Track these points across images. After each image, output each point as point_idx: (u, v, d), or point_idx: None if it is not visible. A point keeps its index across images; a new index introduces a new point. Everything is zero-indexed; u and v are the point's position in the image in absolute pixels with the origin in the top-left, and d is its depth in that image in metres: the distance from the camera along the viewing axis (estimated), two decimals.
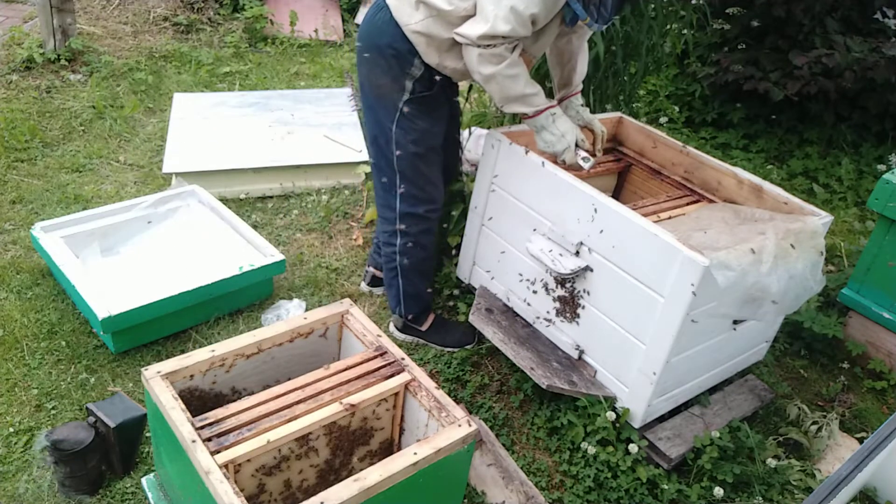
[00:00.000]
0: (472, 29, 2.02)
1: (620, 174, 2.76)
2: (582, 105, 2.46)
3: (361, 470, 1.53)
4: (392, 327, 2.69)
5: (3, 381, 2.34)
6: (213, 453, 1.52)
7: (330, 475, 1.81)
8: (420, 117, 2.24)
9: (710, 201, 2.46)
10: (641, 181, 2.71)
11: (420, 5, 2.09)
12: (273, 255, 2.73)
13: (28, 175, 3.47)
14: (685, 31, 3.65)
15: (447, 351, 2.60)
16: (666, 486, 2.09)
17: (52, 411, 2.25)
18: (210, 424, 1.59)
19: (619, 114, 2.76)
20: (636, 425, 2.14)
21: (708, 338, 2.12)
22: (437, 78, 2.20)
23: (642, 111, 4.57)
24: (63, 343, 2.50)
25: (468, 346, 2.60)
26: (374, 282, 2.89)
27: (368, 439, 1.85)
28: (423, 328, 2.63)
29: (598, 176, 2.62)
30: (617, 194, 2.77)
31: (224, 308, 2.67)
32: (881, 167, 3.98)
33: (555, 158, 2.25)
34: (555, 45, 2.38)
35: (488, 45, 2.02)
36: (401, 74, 2.17)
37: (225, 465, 1.51)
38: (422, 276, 2.56)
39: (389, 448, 1.92)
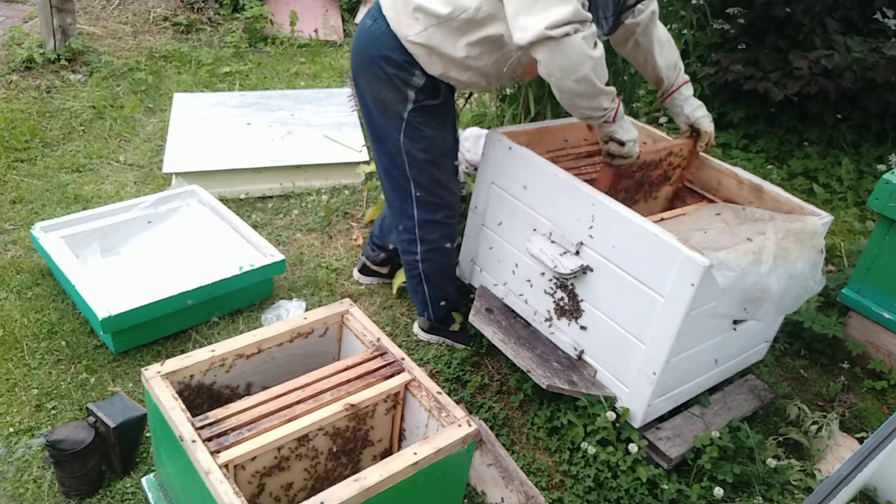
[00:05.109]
0: (555, 13, 1.77)
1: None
2: (687, 98, 2.32)
3: (361, 470, 1.53)
4: (417, 328, 2.68)
5: (3, 381, 2.34)
6: (213, 453, 1.52)
7: (330, 475, 1.82)
8: (427, 125, 2.20)
9: (710, 201, 2.46)
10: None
11: (419, 14, 2.00)
12: (273, 255, 2.73)
13: (28, 175, 3.47)
14: (685, 31, 3.65)
15: (448, 351, 2.61)
16: (666, 486, 2.09)
17: (52, 411, 2.25)
18: (210, 424, 1.59)
19: None
20: (636, 425, 2.14)
21: (708, 338, 2.12)
22: (442, 85, 2.16)
23: (642, 111, 4.56)
24: (63, 343, 2.50)
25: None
26: (365, 270, 2.90)
27: (368, 439, 1.85)
28: (451, 328, 2.63)
29: None
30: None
31: (224, 308, 2.67)
32: (881, 167, 3.98)
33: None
34: (625, 52, 2.34)
35: (583, 22, 1.82)
36: (402, 85, 2.12)
37: (225, 465, 1.51)
38: (446, 279, 2.54)
39: (389, 448, 1.92)
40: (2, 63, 4.36)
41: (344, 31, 5.68)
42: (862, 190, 3.88)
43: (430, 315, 2.59)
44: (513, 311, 2.47)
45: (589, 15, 1.85)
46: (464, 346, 2.61)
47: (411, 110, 2.16)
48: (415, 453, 1.57)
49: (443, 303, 2.57)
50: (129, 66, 4.60)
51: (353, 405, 1.71)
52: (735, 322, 2.18)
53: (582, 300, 2.20)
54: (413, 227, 2.38)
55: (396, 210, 2.39)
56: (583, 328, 2.23)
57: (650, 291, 1.98)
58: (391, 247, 2.80)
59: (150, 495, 1.95)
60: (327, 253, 3.14)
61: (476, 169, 2.82)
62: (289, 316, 2.66)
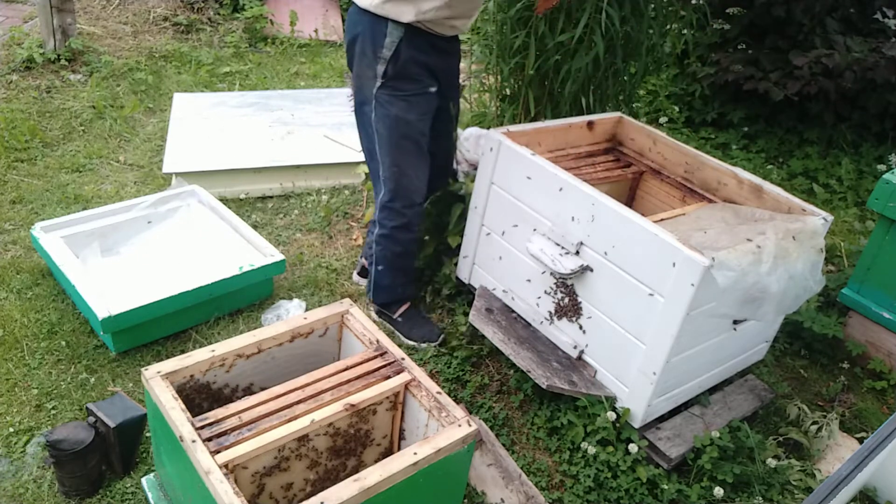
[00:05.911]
0: None
1: (633, 180, 2.73)
2: None
3: (361, 470, 1.53)
4: (370, 307, 2.76)
5: (3, 381, 2.34)
6: (213, 453, 1.52)
7: (330, 475, 1.82)
8: (391, 104, 2.30)
9: (710, 201, 2.46)
10: (656, 188, 2.67)
11: None
12: (273, 255, 2.73)
13: (28, 175, 3.47)
14: (685, 31, 3.65)
15: (448, 351, 2.61)
16: (666, 486, 2.09)
17: (52, 411, 2.25)
18: (210, 424, 1.59)
19: (618, 114, 2.76)
20: (636, 425, 2.14)
21: (708, 338, 2.12)
22: (406, 52, 2.23)
23: (642, 111, 4.57)
24: (63, 343, 2.50)
25: (433, 344, 2.61)
26: (364, 272, 2.93)
27: (368, 439, 1.85)
28: (394, 316, 2.68)
29: (610, 182, 2.61)
30: (630, 201, 2.74)
31: (224, 308, 2.67)
32: (881, 167, 3.98)
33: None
34: None
35: None
36: (373, 59, 2.24)
37: (225, 465, 1.51)
38: (393, 271, 2.60)
39: (389, 448, 1.92)
40: (2, 63, 4.36)
41: (344, 31, 5.68)
42: (862, 190, 3.88)
43: (370, 296, 2.68)
44: (513, 311, 2.47)
45: None
46: (404, 338, 2.63)
47: (379, 87, 2.28)
48: (415, 453, 1.57)
49: (384, 289, 2.64)
50: (129, 66, 4.61)
51: (353, 405, 1.71)
52: (735, 322, 2.18)
53: (582, 300, 2.20)
54: (378, 208, 2.50)
55: (375, 189, 2.53)
56: (583, 328, 2.23)
57: (650, 291, 1.98)
58: None
59: (150, 495, 1.95)
60: (327, 253, 3.14)
61: (476, 169, 2.82)
62: (289, 316, 2.66)
